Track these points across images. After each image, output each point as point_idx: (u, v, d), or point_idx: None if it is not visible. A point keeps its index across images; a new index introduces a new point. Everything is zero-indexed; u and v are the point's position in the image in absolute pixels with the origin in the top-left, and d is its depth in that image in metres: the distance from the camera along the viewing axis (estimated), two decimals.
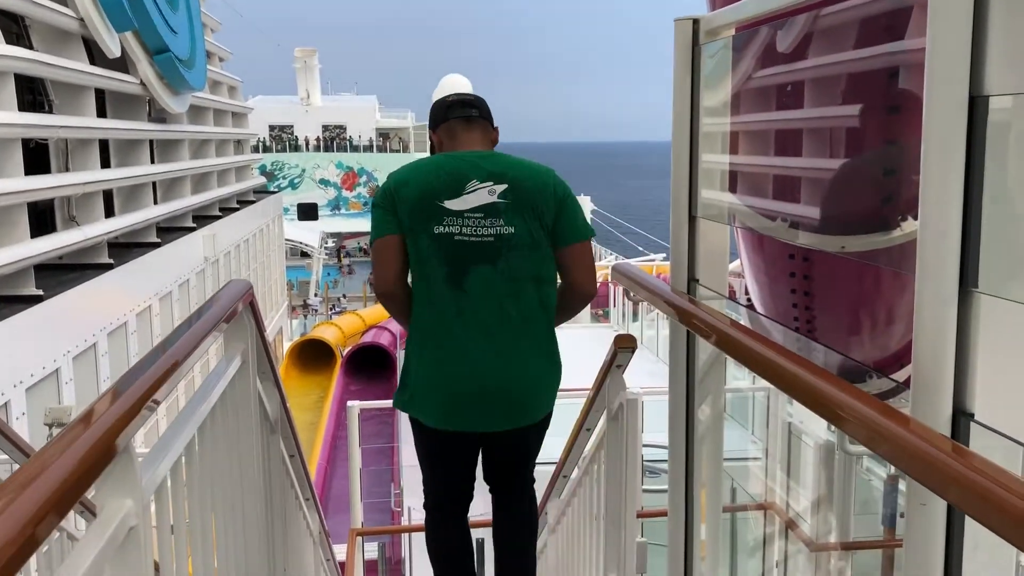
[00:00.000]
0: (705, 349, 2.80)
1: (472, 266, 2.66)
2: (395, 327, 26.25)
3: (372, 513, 12.06)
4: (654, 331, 19.66)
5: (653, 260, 30.24)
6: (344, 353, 25.64)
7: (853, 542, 7.65)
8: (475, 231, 2.65)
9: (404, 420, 14.13)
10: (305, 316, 37.74)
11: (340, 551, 10.09)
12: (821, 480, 7.50)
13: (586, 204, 25.44)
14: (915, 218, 2.00)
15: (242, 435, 2.33)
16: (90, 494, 1.29)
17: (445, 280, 2.67)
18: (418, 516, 7.65)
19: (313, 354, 26.13)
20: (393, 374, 23.55)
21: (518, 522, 3.05)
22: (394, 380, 23.20)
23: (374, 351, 25.14)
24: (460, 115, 2.89)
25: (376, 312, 29.20)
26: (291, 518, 3.39)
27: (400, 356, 24.88)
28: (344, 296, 42.94)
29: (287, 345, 26.85)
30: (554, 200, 2.74)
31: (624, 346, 2.83)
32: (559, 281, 2.86)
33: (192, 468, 1.89)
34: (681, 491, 2.86)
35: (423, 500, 3.00)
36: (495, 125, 2.98)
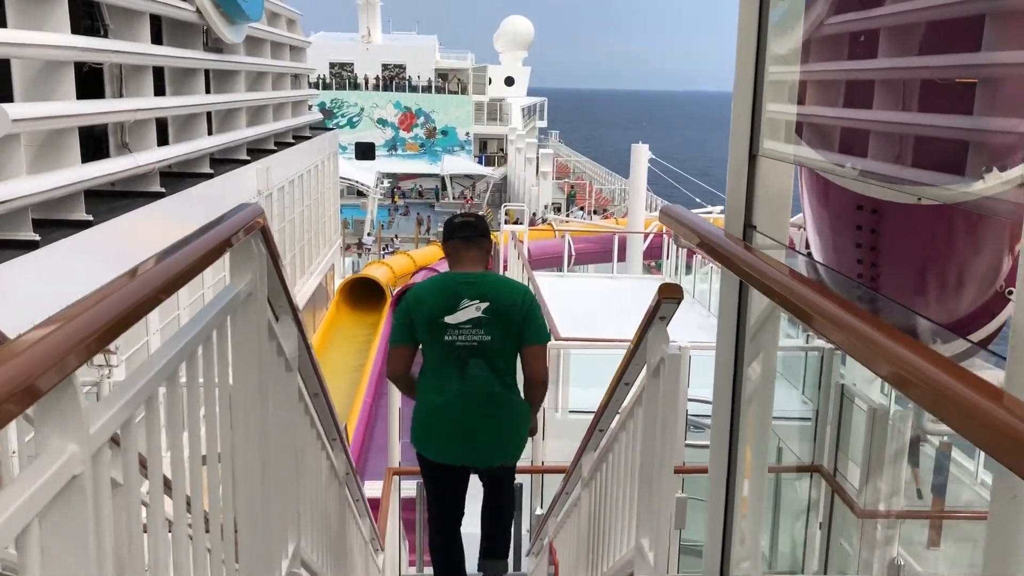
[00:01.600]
0: (759, 302, 2.54)
1: (467, 361, 3.80)
2: (445, 268, 26.22)
3: (412, 452, 12.09)
4: (707, 285, 19.23)
5: (711, 212, 29.58)
6: (394, 293, 25.69)
7: (903, 511, 7.36)
8: (468, 338, 3.78)
9: None
10: (359, 255, 37.91)
11: (380, 488, 10.14)
12: (872, 445, 7.19)
13: (643, 153, 24.82)
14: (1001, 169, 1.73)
15: (245, 373, 2.15)
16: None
17: (449, 373, 3.84)
18: None
19: (364, 292, 26.23)
20: None
21: (498, 512, 4.33)
22: None
23: None
24: (462, 236, 3.92)
25: (427, 253, 29.16)
26: (310, 459, 3.24)
27: None
28: (397, 236, 43.01)
29: (338, 282, 27.00)
30: (520, 315, 3.80)
31: (669, 296, 2.58)
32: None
33: (174, 411, 1.70)
34: (724, 449, 2.64)
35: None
36: (491, 239, 4.04)
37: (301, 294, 21.35)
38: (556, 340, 12.06)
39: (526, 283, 17.50)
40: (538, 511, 7.81)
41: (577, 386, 11.31)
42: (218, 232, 1.90)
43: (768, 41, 2.39)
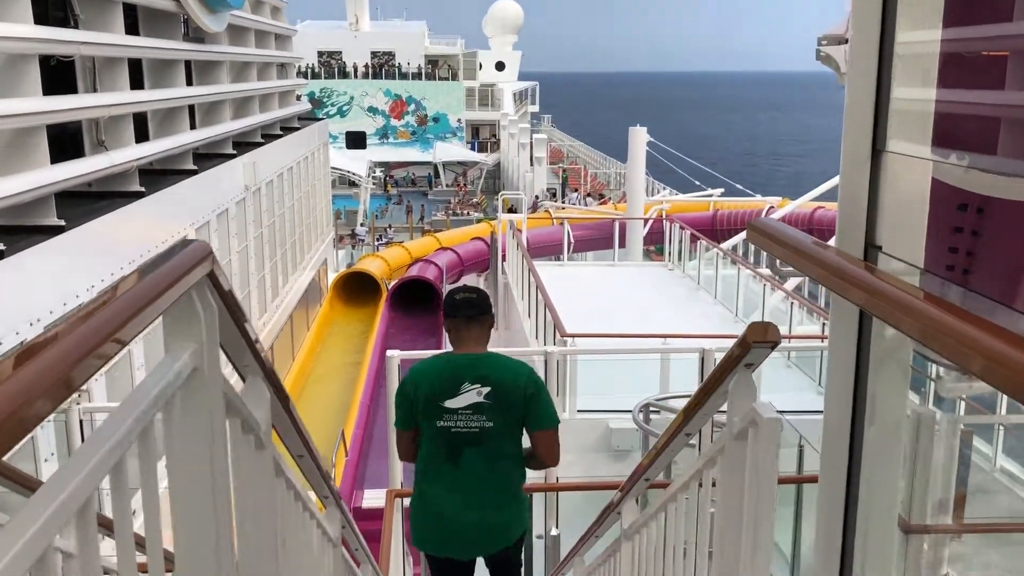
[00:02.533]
0: (879, 338, 1.93)
1: (464, 447, 3.63)
2: (441, 260, 25.49)
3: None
4: (712, 271, 18.61)
5: (711, 195, 29.00)
6: (390, 287, 25.04)
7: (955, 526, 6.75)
8: (468, 424, 3.60)
9: None
10: (352, 246, 37.26)
11: (381, 498, 9.53)
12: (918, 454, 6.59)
13: (641, 136, 24.16)
14: None
15: (191, 476, 1.51)
16: None
17: (445, 460, 3.69)
18: None
19: (358, 287, 25.57)
20: (438, 308, 22.92)
21: None
22: (439, 314, 22.57)
23: (420, 285, 24.49)
24: (464, 315, 3.72)
25: (423, 245, 28.50)
26: (294, 538, 2.60)
27: (446, 290, 24.22)
28: (391, 227, 42.31)
29: (332, 277, 26.33)
30: (523, 399, 3.62)
31: (761, 340, 1.94)
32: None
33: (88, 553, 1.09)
34: (838, 520, 2.03)
35: None
36: (492, 314, 3.86)
37: (293, 290, 20.69)
38: (563, 336, 11.48)
39: (526, 274, 16.91)
40: (553, 531, 7.21)
41: (586, 384, 10.61)
42: (137, 295, 1.25)
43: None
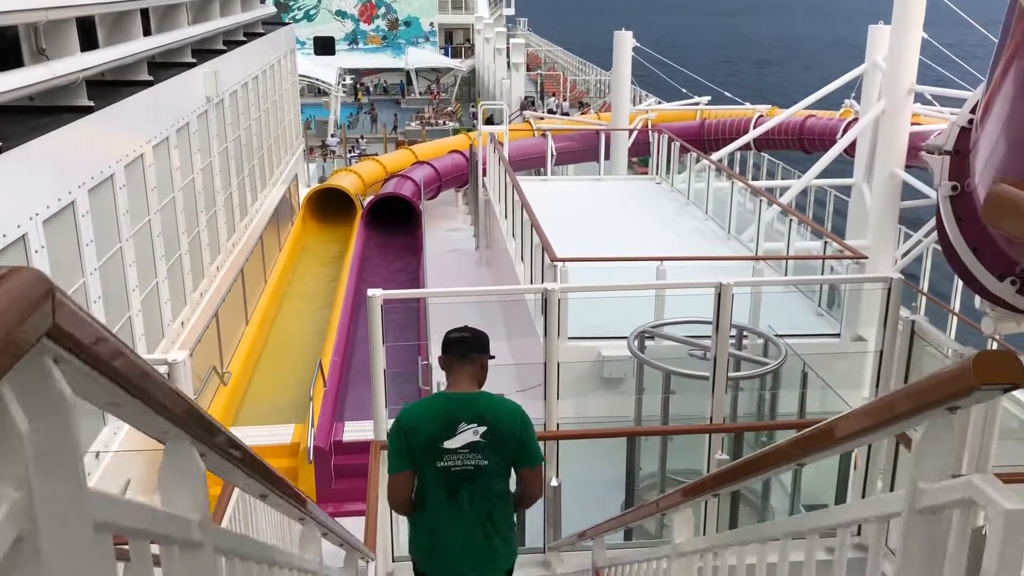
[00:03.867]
0: None
1: (462, 485, 3.81)
2: (418, 176, 24.44)
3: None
4: (703, 184, 17.79)
5: (698, 104, 27.92)
6: (364, 204, 24.03)
7: None
8: (464, 462, 3.77)
9: (434, 309, 12.47)
10: (324, 158, 35.98)
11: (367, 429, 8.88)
12: None
13: (626, 41, 22.95)
14: None
15: None
16: None
17: (444, 496, 3.84)
18: None
19: (332, 203, 24.53)
20: (417, 227, 22.00)
21: None
22: (418, 233, 21.62)
23: (396, 202, 23.50)
24: (458, 352, 3.90)
25: (398, 159, 27.36)
26: None
27: (423, 206, 23.25)
28: (363, 137, 40.91)
29: (304, 192, 25.24)
30: (517, 439, 3.82)
31: (993, 381, 1.19)
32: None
33: None
34: None
35: None
36: (487, 354, 3.96)
37: (263, 209, 19.69)
38: (553, 261, 10.75)
39: (509, 191, 16.05)
40: (553, 482, 6.60)
41: (576, 310, 9.84)
42: None
43: None
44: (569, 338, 10.62)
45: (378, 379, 6.24)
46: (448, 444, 3.73)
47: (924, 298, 13.61)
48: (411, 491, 3.85)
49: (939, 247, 13.96)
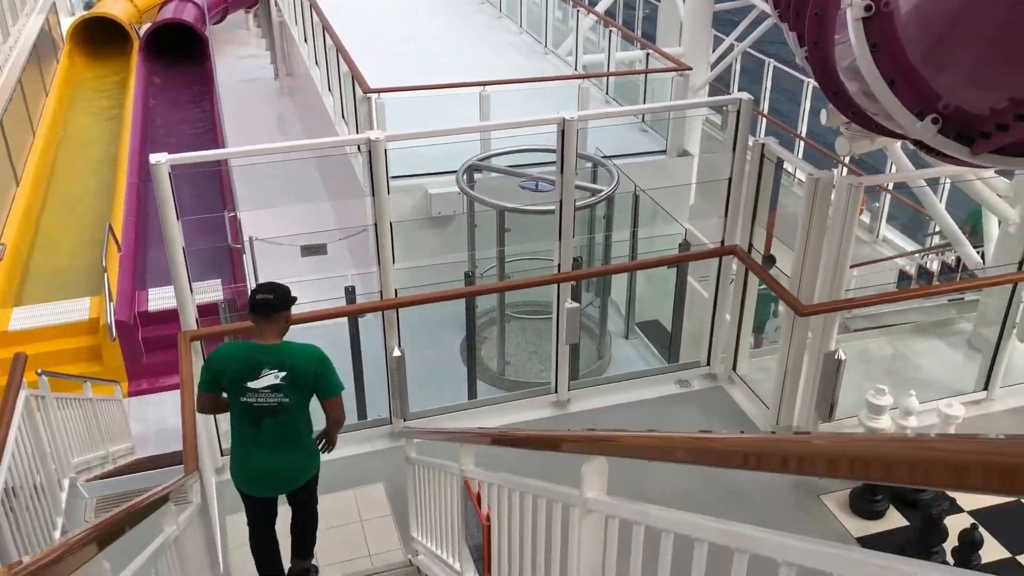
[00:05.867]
0: None
1: (265, 418, 4.47)
2: None
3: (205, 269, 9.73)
4: None
5: None
6: (141, 33, 21.27)
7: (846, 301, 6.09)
8: (267, 400, 4.42)
9: (238, 173, 11.05)
10: None
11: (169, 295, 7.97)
12: (813, 224, 5.73)
13: None
14: None
15: None
16: None
17: (250, 424, 4.51)
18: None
19: (102, 35, 21.57)
20: (205, 58, 19.76)
21: (302, 529, 5.00)
22: (207, 64, 19.42)
23: (178, 29, 20.93)
24: (262, 314, 4.42)
25: None
26: None
27: (210, 32, 20.86)
28: None
29: (66, 24, 22.01)
30: (314, 377, 4.45)
31: None
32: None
33: None
34: None
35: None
36: (288, 310, 4.50)
37: (19, 45, 16.93)
38: (366, 92, 9.70)
39: (306, 10, 14.42)
40: (396, 352, 6.01)
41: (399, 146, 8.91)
42: None
43: None
44: (392, 178, 9.83)
45: (176, 260, 5.29)
46: (252, 384, 4.38)
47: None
48: (215, 406, 4.63)
49: (755, 51, 13.62)
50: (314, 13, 13.32)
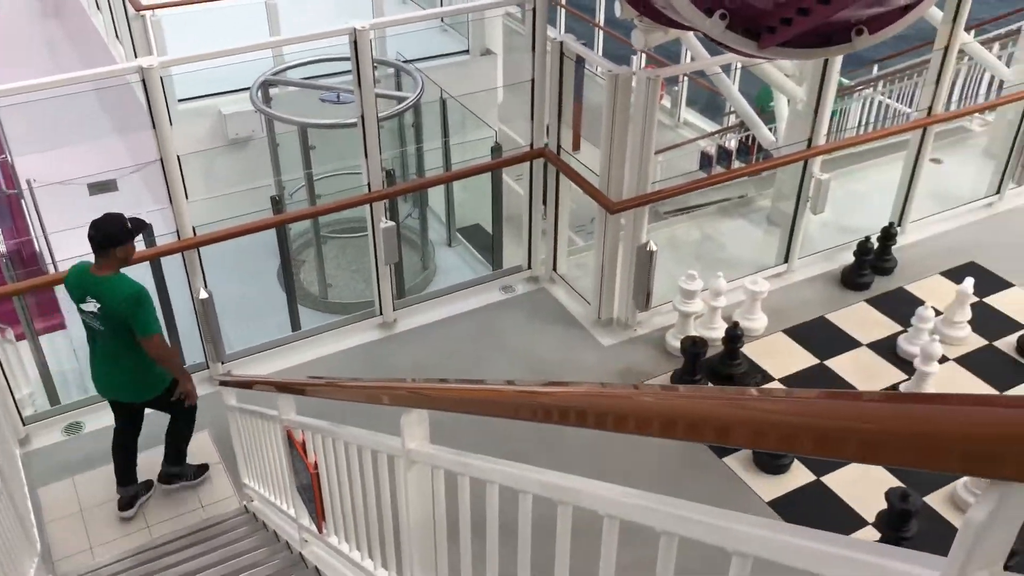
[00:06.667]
0: None
1: (94, 336, 4.82)
2: None
3: None
4: None
5: None
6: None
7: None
8: (92, 322, 4.72)
9: (5, 113, 9.85)
10: None
11: None
12: (615, 122, 5.75)
13: None
14: None
15: None
16: None
17: (89, 339, 4.89)
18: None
19: None
20: None
21: (168, 435, 5.25)
22: None
23: None
24: (93, 248, 4.59)
25: None
26: None
27: None
28: None
29: None
30: (123, 316, 4.60)
31: None
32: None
33: None
34: None
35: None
36: (119, 244, 4.61)
37: None
38: (139, 10, 8.82)
39: None
40: (202, 294, 5.64)
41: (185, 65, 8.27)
42: None
43: None
44: (179, 100, 9.09)
45: None
46: (81, 306, 4.68)
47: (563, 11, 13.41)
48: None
49: None
50: None
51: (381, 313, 6.35)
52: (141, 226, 4.76)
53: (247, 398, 4.57)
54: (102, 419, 5.59)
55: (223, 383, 4.75)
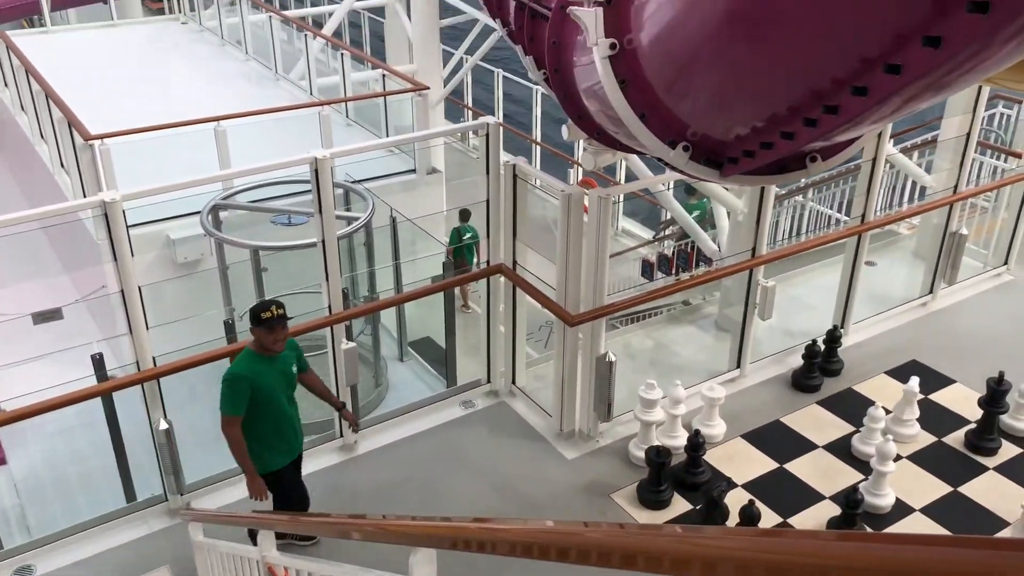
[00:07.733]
0: None
1: None
2: None
3: None
4: (238, 19, 16.03)
5: None
6: None
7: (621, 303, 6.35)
8: None
9: None
10: None
11: None
12: (570, 238, 5.93)
13: None
14: None
15: None
16: None
17: None
18: None
19: None
20: None
21: None
22: None
23: None
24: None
25: None
26: None
27: None
28: None
29: None
30: None
31: None
32: None
33: None
34: None
35: None
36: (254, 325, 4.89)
37: None
38: (87, 140, 8.89)
39: (3, 50, 12.99)
40: (162, 424, 5.53)
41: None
42: None
43: None
44: (128, 227, 9.08)
45: None
46: None
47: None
48: None
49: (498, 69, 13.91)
50: (11, 54, 12.06)
51: (342, 435, 6.29)
52: (261, 321, 4.84)
53: (215, 531, 4.45)
54: (53, 560, 5.35)
55: (189, 516, 4.62)
